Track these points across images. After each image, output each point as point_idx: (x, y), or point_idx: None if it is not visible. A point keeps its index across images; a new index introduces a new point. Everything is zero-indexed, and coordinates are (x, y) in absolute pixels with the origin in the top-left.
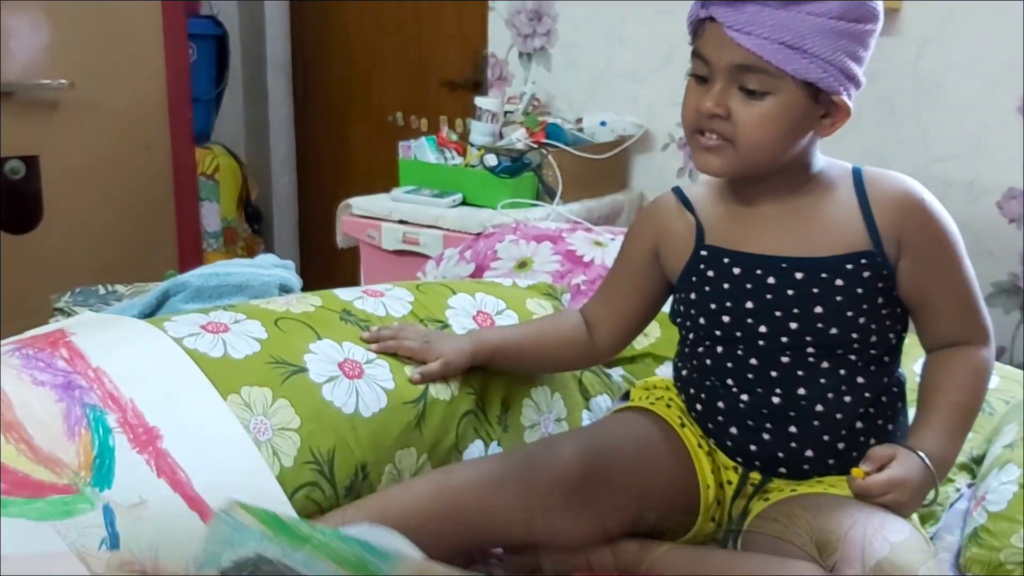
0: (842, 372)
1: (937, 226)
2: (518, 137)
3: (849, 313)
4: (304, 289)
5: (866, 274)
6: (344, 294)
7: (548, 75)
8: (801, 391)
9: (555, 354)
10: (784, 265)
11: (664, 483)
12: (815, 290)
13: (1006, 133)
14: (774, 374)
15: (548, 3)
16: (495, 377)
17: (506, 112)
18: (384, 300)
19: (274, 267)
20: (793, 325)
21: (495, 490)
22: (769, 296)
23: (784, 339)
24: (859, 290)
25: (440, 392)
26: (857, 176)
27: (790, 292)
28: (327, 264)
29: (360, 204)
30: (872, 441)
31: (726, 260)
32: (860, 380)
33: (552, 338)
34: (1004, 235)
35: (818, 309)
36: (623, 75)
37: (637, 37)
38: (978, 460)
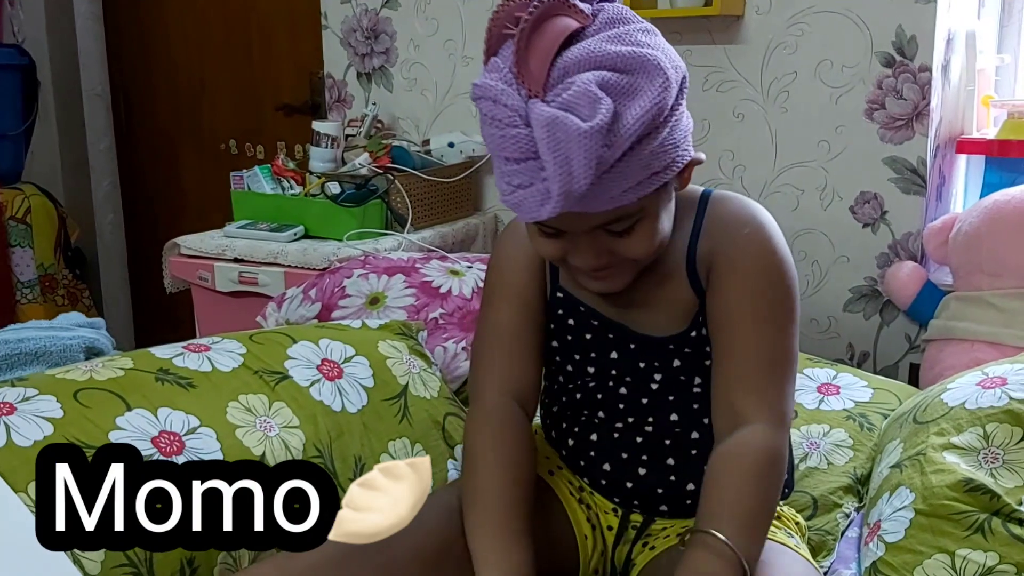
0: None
1: (750, 260)
2: (362, 162)
3: (707, 362)
4: (135, 342)
5: (707, 331)
6: (162, 351)
7: (390, 96)
8: (674, 417)
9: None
10: (633, 339)
11: (536, 540)
12: (670, 352)
13: (856, 138)
14: (645, 401)
15: (384, 20)
16: (344, 433)
17: (347, 136)
18: (210, 355)
19: (78, 327)
20: (657, 376)
21: (342, 570)
22: (632, 346)
23: (653, 376)
24: (707, 348)
25: (279, 458)
26: (703, 201)
27: (648, 350)
28: (163, 310)
29: (189, 243)
30: None
31: (582, 309)
32: None
33: (528, 464)
34: (859, 240)
35: (676, 363)
36: (467, 94)
37: (480, 54)
38: (863, 480)
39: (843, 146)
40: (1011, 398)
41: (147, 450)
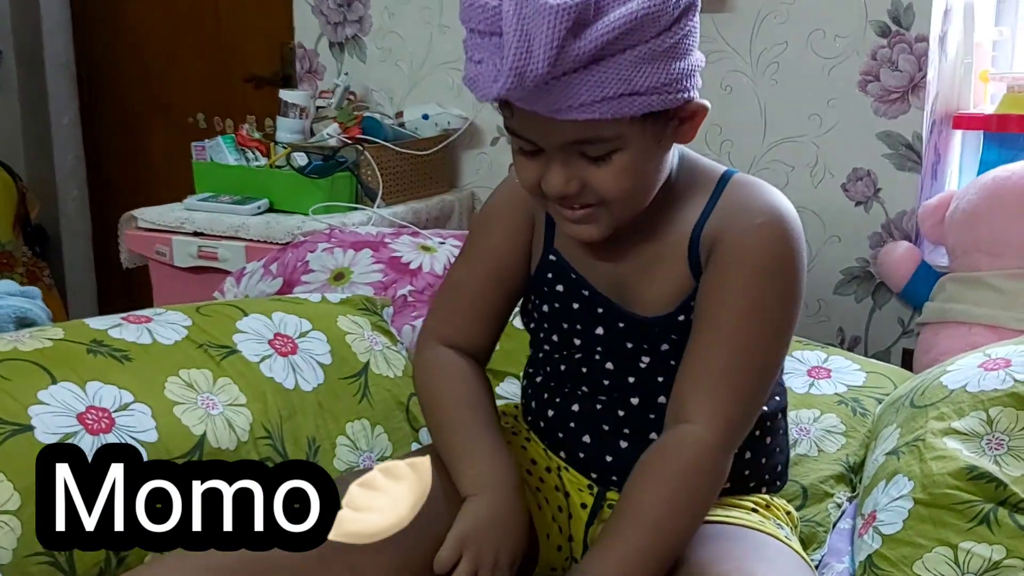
0: None
1: (754, 252)
2: (330, 133)
3: None
4: None
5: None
6: (97, 322)
7: (363, 66)
8: (661, 398)
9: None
10: (621, 317)
11: None
12: (657, 338)
13: (848, 112)
14: (632, 379)
15: None
16: (297, 412)
17: (318, 107)
18: (151, 326)
19: (8, 296)
20: (645, 358)
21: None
22: (620, 325)
23: (640, 358)
24: None
25: (222, 439)
26: (722, 182)
27: (636, 330)
28: (128, 287)
29: (147, 216)
30: (747, 456)
31: (573, 277)
32: None
33: (488, 391)
34: (851, 219)
35: (665, 347)
36: (445, 64)
37: (457, 23)
38: (855, 468)
39: (835, 120)
40: (1016, 380)
41: (72, 427)
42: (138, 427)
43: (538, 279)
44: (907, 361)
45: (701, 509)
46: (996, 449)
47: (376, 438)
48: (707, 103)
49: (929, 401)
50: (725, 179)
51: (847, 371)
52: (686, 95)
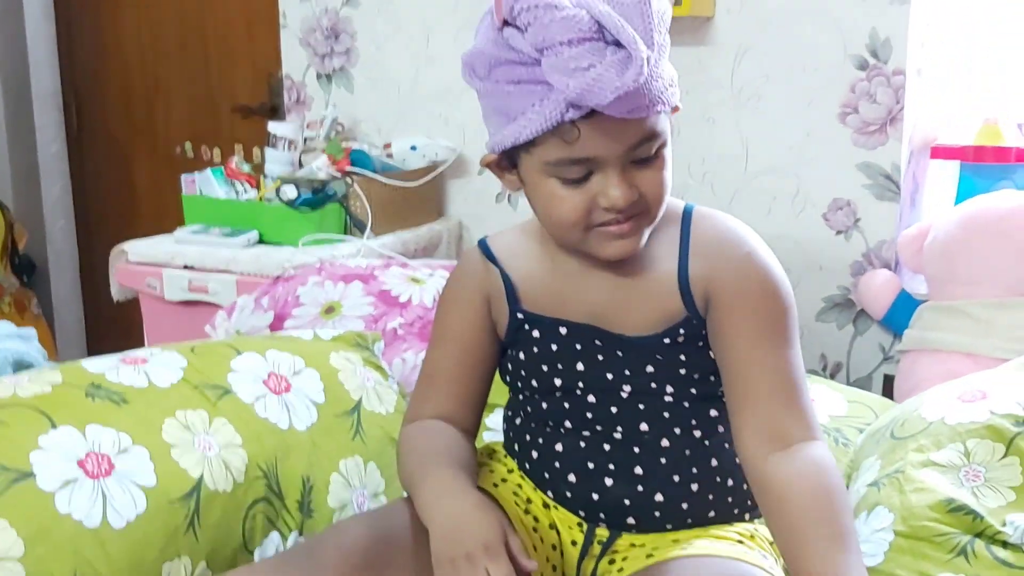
0: (686, 404)
1: (754, 284)
2: (319, 166)
3: (682, 371)
4: (87, 351)
5: (684, 340)
6: (94, 364)
7: (351, 97)
8: (644, 427)
9: None
10: (602, 343)
11: None
12: (641, 357)
13: (828, 143)
14: (614, 410)
15: (345, 19)
16: (292, 451)
17: (306, 139)
18: (147, 368)
19: (5, 338)
20: (627, 387)
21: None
22: (600, 357)
23: (622, 388)
24: (682, 356)
25: (219, 480)
26: (686, 217)
27: (619, 355)
28: (115, 319)
29: (137, 249)
30: (730, 483)
31: (547, 321)
32: (712, 412)
33: (469, 449)
34: (832, 248)
35: (649, 369)
36: (432, 95)
37: (444, 54)
38: None
39: (816, 152)
40: (992, 413)
41: (72, 473)
42: (137, 471)
43: (511, 337)
44: (888, 386)
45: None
46: (973, 480)
47: (369, 475)
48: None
49: (908, 433)
50: (688, 213)
51: (830, 401)
52: (677, 94)
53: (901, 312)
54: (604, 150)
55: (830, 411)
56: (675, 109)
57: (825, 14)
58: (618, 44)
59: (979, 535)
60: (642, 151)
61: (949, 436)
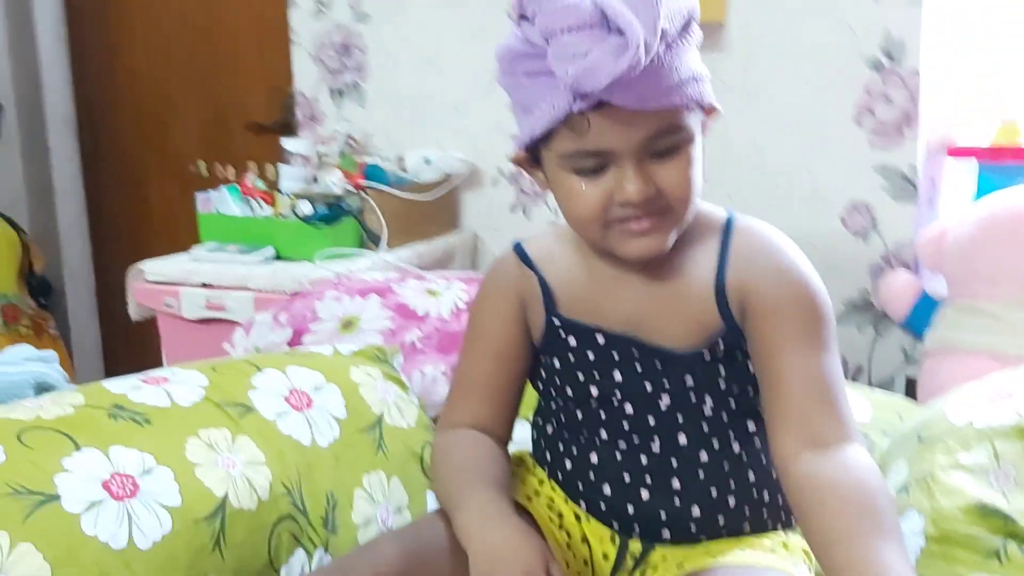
0: (725, 418)
1: (791, 292)
2: (334, 181)
3: (722, 384)
4: (104, 370)
5: (723, 354)
6: (116, 385)
7: (363, 112)
8: (682, 439)
9: None
10: (642, 353)
11: None
12: (680, 370)
13: (844, 144)
14: (652, 421)
15: (356, 35)
16: (314, 468)
17: (320, 154)
18: (168, 387)
19: (26, 361)
20: (665, 398)
21: None
22: (638, 367)
23: (660, 398)
24: (721, 370)
25: (243, 499)
26: (728, 226)
27: (657, 366)
28: (133, 339)
29: (154, 268)
30: (766, 496)
31: (583, 328)
32: (750, 426)
33: (502, 461)
34: (851, 250)
35: (688, 382)
36: (444, 107)
37: (455, 65)
38: None
39: (831, 153)
40: (1019, 414)
41: (98, 495)
42: (162, 491)
43: (547, 343)
44: (911, 389)
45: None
46: (1003, 483)
47: (392, 489)
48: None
49: (936, 435)
50: (730, 222)
51: (854, 405)
52: (710, 93)
53: (922, 313)
54: (616, 142)
55: (855, 415)
56: (710, 111)
57: (838, 16)
58: (621, 32)
59: (1011, 536)
60: (660, 144)
61: (977, 438)
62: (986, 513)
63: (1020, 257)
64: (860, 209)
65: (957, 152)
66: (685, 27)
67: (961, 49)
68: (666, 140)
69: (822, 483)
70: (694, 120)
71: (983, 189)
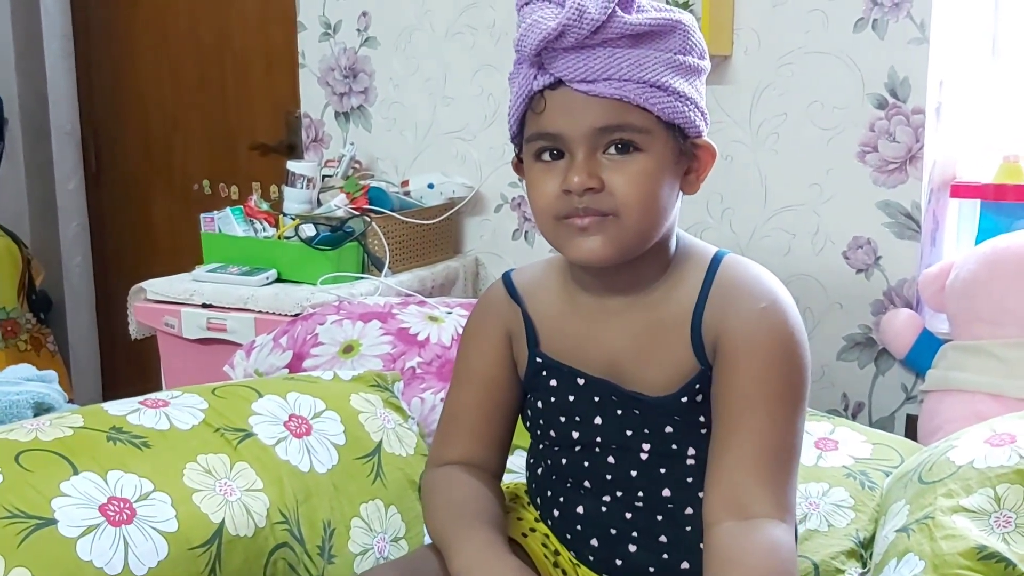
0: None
1: (762, 338)
2: (337, 204)
3: (703, 431)
4: (102, 389)
5: (702, 399)
6: (116, 408)
7: (369, 136)
8: (667, 492)
9: None
10: (621, 399)
11: None
12: (659, 418)
13: (848, 181)
14: (634, 474)
15: (363, 59)
16: (312, 495)
17: (324, 177)
18: (168, 411)
19: (26, 381)
20: (646, 446)
21: None
22: (618, 412)
23: (641, 446)
24: (701, 417)
25: (240, 526)
26: (714, 263)
27: (636, 413)
28: (132, 357)
29: (155, 287)
30: None
31: (565, 370)
32: None
33: (494, 498)
34: (853, 286)
35: (668, 429)
36: (449, 134)
37: (461, 93)
38: (866, 543)
39: (835, 189)
40: (1021, 457)
41: (94, 519)
42: (159, 517)
43: (530, 381)
44: (911, 427)
45: None
46: (1004, 527)
47: (390, 519)
48: (715, 147)
49: (937, 477)
50: (717, 260)
51: (853, 443)
52: (702, 124)
53: (923, 351)
54: (567, 126)
55: (854, 453)
56: (691, 138)
57: (843, 53)
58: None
59: None
60: (613, 138)
61: (979, 481)
62: (987, 557)
63: (1023, 298)
64: (863, 245)
65: (960, 191)
66: (661, 35)
67: (964, 88)
68: (618, 135)
69: (732, 556)
70: (661, 134)
71: (985, 228)
